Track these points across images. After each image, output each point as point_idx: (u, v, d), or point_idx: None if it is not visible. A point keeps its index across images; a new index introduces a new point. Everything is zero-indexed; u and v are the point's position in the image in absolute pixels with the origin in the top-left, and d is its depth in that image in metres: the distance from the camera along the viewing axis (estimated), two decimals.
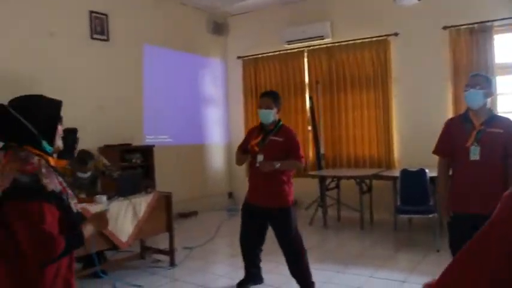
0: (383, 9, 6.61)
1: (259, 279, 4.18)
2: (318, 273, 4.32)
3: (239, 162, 4.09)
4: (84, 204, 3.89)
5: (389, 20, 6.60)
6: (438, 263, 4.37)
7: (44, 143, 1.80)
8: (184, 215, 7.08)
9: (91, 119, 5.86)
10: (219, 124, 8.19)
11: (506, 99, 6.12)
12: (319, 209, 6.53)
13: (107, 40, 6.19)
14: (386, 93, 6.68)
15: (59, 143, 1.92)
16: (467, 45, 6.10)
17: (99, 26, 6.10)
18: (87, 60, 5.94)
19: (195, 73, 7.69)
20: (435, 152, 3.41)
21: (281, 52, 7.55)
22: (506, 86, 6.09)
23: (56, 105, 1.88)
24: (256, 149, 3.85)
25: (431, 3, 6.25)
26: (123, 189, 4.48)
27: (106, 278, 4.30)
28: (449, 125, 3.36)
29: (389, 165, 6.65)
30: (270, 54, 7.67)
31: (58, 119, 1.88)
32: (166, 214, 4.79)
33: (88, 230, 1.87)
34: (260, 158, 3.81)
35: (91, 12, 6.02)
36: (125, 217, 4.33)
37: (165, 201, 4.80)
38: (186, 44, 7.44)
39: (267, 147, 3.81)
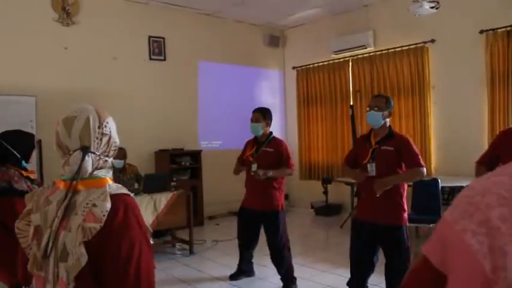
0: (421, 16, 6.57)
1: (251, 273, 4.76)
2: (305, 270, 4.78)
3: (235, 172, 4.70)
4: None
5: (426, 27, 6.55)
6: None
7: (23, 162, 2.62)
8: (234, 213, 7.85)
9: (148, 127, 6.97)
10: (276, 130, 8.77)
11: None
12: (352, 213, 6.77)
13: (163, 60, 7.25)
14: (423, 101, 6.63)
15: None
16: (505, 49, 5.83)
17: (157, 48, 7.20)
18: (146, 78, 7.05)
19: (251, 84, 8.42)
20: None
21: (329, 62, 7.88)
22: None
23: (31, 137, 2.78)
24: (251, 159, 4.44)
25: (468, 7, 6.11)
26: (147, 187, 5.42)
27: None
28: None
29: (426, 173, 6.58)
30: (319, 64, 8.05)
31: (33, 146, 2.75)
32: (186, 211, 5.62)
33: None
34: (254, 167, 4.35)
35: (150, 37, 7.13)
36: (145, 210, 5.24)
37: (186, 199, 5.63)
38: (242, 58, 8.20)
39: (260, 157, 4.34)
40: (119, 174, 5.56)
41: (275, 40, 8.60)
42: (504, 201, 0.58)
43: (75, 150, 1.31)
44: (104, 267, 1.23)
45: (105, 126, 1.37)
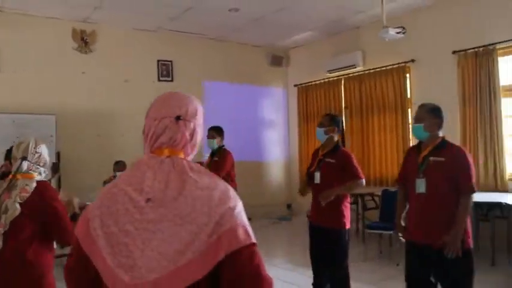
0: (403, 37, 7.05)
1: None
2: None
3: None
4: None
5: (407, 48, 7.00)
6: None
7: None
8: None
9: None
10: (279, 144, 9.43)
11: None
12: None
13: (171, 81, 8.11)
14: (405, 117, 7.08)
15: None
16: (473, 69, 6.22)
17: (165, 71, 8.06)
18: (154, 97, 7.87)
19: (255, 101, 9.12)
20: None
21: (324, 80, 8.46)
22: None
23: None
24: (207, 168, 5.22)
25: (442, 29, 6.56)
26: None
27: None
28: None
29: None
30: (316, 82, 8.64)
31: None
32: None
33: None
34: None
35: (159, 60, 8.01)
36: None
37: None
38: (246, 77, 8.93)
39: (212, 166, 5.10)
40: None
41: (278, 60, 9.28)
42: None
43: (19, 158, 2.40)
44: (44, 214, 2.34)
45: (38, 148, 2.48)
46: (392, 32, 5.83)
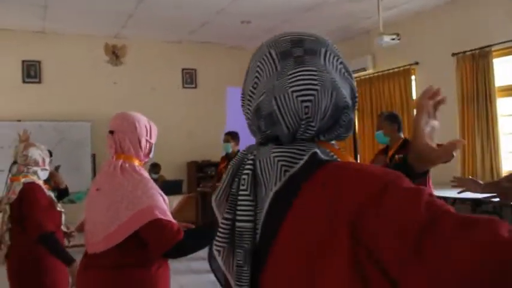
0: (407, 40, 7.33)
1: None
2: None
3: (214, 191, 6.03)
4: None
5: (412, 50, 7.28)
6: None
7: None
8: None
9: (183, 143, 8.56)
10: None
11: (509, 121, 6.22)
12: None
13: (195, 87, 8.82)
14: (410, 118, 7.35)
15: None
16: (471, 70, 6.43)
17: (189, 78, 8.79)
18: (180, 103, 8.66)
19: None
20: None
21: None
22: (508, 108, 6.20)
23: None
24: (224, 171, 5.77)
25: (443, 32, 6.81)
26: (164, 190, 6.93)
27: None
28: None
29: None
30: None
31: None
32: (195, 210, 7.06)
33: None
34: None
35: (183, 69, 8.75)
36: None
37: (195, 202, 7.08)
38: None
39: None
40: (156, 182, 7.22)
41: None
42: None
43: (12, 163, 2.90)
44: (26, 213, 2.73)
45: (25, 151, 2.87)
46: (387, 38, 6.18)
